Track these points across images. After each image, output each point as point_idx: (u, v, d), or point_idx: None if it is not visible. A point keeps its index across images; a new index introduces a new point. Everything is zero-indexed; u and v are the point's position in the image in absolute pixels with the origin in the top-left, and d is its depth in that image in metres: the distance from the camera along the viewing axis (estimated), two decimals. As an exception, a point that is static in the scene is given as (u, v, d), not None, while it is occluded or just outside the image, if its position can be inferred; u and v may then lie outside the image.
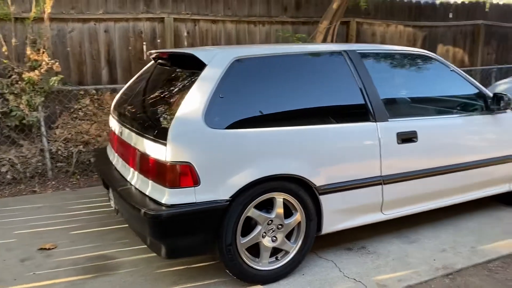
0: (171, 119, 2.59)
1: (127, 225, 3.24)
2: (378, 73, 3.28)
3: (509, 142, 3.72)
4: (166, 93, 2.95)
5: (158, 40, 5.59)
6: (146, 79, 3.53)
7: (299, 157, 2.81)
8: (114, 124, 3.46)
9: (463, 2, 7.92)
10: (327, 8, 6.36)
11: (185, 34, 5.68)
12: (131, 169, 2.95)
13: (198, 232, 2.60)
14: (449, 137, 3.44)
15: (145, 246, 2.89)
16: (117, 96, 3.79)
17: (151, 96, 3.10)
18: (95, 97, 5.20)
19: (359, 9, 6.35)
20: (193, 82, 2.72)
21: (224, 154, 2.62)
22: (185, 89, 2.73)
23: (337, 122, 3.00)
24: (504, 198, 4.02)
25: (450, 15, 7.73)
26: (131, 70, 5.38)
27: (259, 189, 2.69)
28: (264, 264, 2.83)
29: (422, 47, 7.40)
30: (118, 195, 2.92)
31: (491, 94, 3.67)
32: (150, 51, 3.64)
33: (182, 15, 5.62)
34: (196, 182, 2.54)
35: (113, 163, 3.41)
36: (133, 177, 2.90)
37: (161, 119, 2.71)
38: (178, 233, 2.55)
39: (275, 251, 2.89)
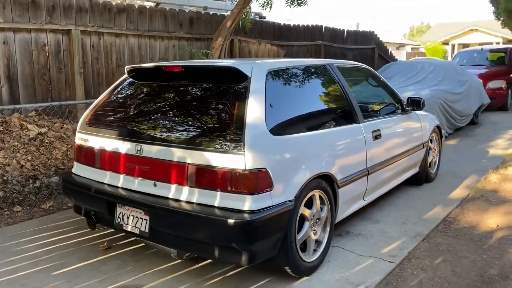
0: (237, 130, 2.64)
1: (111, 253, 3.03)
2: (347, 83, 3.89)
3: (417, 135, 4.79)
4: (207, 106, 2.92)
5: (63, 54, 5.02)
6: (143, 94, 3.32)
7: (328, 156, 3.18)
8: (112, 144, 3.15)
9: (308, 25, 9.27)
10: (214, 26, 6.72)
11: (90, 47, 5.23)
12: (174, 185, 2.82)
13: (275, 234, 2.71)
14: (394, 132, 4.27)
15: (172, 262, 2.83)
16: (92, 114, 3.43)
17: (183, 110, 2.99)
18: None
19: (238, 29, 6.87)
20: (240, 94, 2.81)
21: (286, 158, 2.81)
22: (235, 100, 2.79)
23: (342, 124, 3.48)
24: (409, 180, 5.11)
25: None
26: (35, 88, 4.68)
27: (307, 189, 2.95)
28: (311, 256, 3.09)
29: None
30: (163, 214, 2.77)
31: (405, 99, 4.68)
32: (132, 66, 3.43)
33: (89, 27, 5.18)
34: (271, 186, 2.66)
35: (119, 185, 3.12)
36: (181, 193, 2.78)
37: (223, 131, 2.71)
38: (263, 237, 2.62)
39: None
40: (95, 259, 3.41)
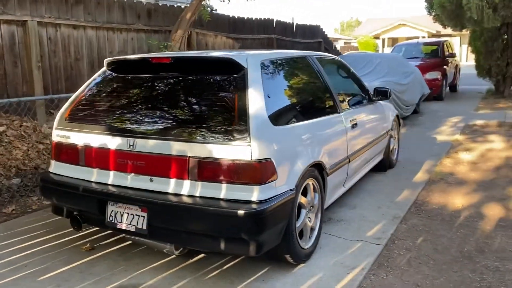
0: (241, 121, 2.64)
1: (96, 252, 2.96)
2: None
3: (383, 123, 5.01)
4: (204, 98, 2.87)
5: (19, 47, 4.67)
6: (128, 87, 3.20)
7: (319, 145, 3.26)
8: (99, 140, 3.01)
9: (260, 19, 9.32)
10: (172, 18, 6.58)
11: (47, 40, 4.92)
12: (173, 180, 2.76)
13: (280, 222, 2.74)
14: (366, 121, 4.44)
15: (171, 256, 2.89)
16: (71, 110, 3.25)
17: (179, 103, 2.92)
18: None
19: (195, 21, 6.78)
20: (238, 84, 2.80)
21: (286, 148, 2.85)
22: (234, 91, 2.78)
23: (327, 114, 3.57)
24: (374, 167, 5.34)
25: None
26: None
27: (304, 177, 3.01)
28: (307, 243, 3.16)
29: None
30: (164, 209, 2.71)
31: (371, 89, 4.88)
32: (114, 58, 3.29)
33: (46, 18, 4.86)
34: (275, 176, 2.69)
35: (109, 182, 3.00)
36: (182, 187, 2.73)
37: (225, 123, 2.68)
38: (270, 226, 2.64)
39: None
40: (81, 261, 3.26)
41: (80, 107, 3.27)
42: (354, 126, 3.96)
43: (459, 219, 3.96)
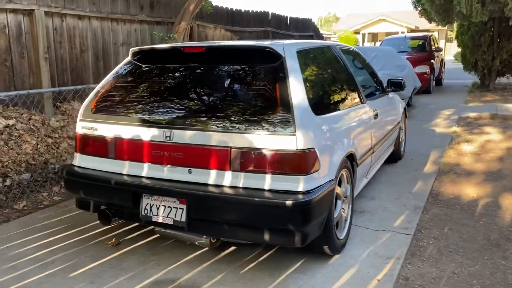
0: (284, 110, 2.59)
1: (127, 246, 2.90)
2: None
3: (395, 114, 5.04)
4: (244, 87, 2.82)
5: (25, 37, 4.49)
6: (159, 77, 3.11)
7: (352, 136, 3.24)
8: (131, 131, 2.92)
9: (256, 11, 9.25)
10: (173, 9, 6.47)
11: (53, 30, 4.75)
12: (214, 171, 2.69)
13: (323, 213, 2.71)
14: (385, 112, 4.45)
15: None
16: (97, 101, 3.14)
17: (217, 93, 2.86)
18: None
19: (197, 13, 6.67)
20: (278, 73, 2.75)
21: (326, 138, 2.83)
22: (275, 80, 2.73)
23: (354, 104, 3.56)
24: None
25: None
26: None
27: (340, 168, 3.00)
28: (341, 234, 3.15)
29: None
30: (206, 201, 2.65)
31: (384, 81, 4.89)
32: (141, 48, 3.19)
33: (53, 8, 4.69)
34: (318, 166, 2.66)
35: (143, 174, 2.91)
36: (223, 178, 2.67)
37: (268, 112, 2.63)
38: (316, 217, 2.61)
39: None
40: (109, 257, 3.17)
41: (107, 98, 3.17)
42: (376, 116, 3.96)
43: (478, 208, 4.02)
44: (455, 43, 18.96)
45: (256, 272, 2.92)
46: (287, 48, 2.92)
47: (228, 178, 2.67)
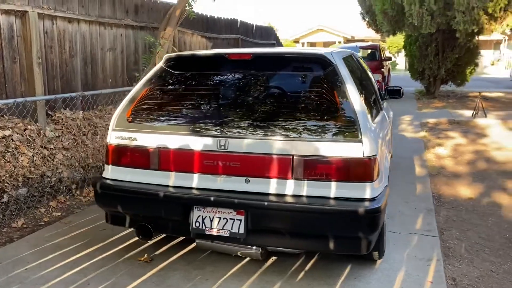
0: (348, 117, 2.59)
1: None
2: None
3: (391, 118, 5.21)
4: (301, 94, 2.78)
5: (17, 40, 4.11)
6: (203, 84, 2.98)
7: (388, 141, 3.32)
8: (179, 141, 2.77)
9: (227, 18, 9.17)
10: (155, 14, 6.28)
11: (44, 34, 4.38)
12: (275, 180, 2.63)
13: (383, 219, 2.74)
14: (390, 118, 4.59)
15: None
16: (133, 109, 2.95)
17: (273, 100, 2.79)
18: None
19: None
20: (332, 80, 2.76)
21: (380, 143, 2.87)
22: (331, 87, 2.73)
23: (380, 109, 3.65)
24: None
25: None
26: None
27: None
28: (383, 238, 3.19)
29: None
30: (269, 211, 2.58)
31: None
32: (178, 54, 3.05)
33: (46, 10, 4.33)
34: (379, 172, 2.69)
35: (193, 185, 2.77)
36: (285, 187, 2.61)
37: (331, 119, 2.62)
38: (381, 223, 2.63)
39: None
40: (149, 274, 2.99)
41: (144, 106, 2.99)
42: (384, 120, 4.09)
43: (481, 209, 4.26)
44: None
45: (310, 281, 2.88)
46: (335, 55, 2.94)
47: (290, 187, 2.62)
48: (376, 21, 14.37)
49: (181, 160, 2.80)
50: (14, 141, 3.90)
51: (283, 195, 2.62)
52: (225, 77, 3.01)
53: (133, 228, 3.02)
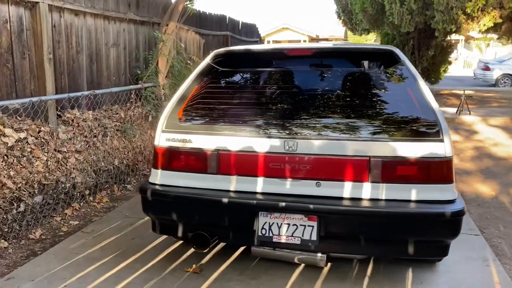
0: (428, 116, 2.47)
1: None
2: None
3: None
4: (369, 92, 2.63)
5: (26, 34, 3.72)
6: (260, 81, 2.76)
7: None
8: (242, 142, 2.56)
9: (216, 14, 8.90)
10: (155, 9, 5.96)
11: (52, 27, 4.00)
12: (350, 183, 2.47)
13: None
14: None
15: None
16: (185, 109, 2.71)
17: (345, 98, 2.62)
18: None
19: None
20: (403, 77, 2.64)
21: None
22: (404, 85, 2.61)
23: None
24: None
25: None
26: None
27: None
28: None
29: (204, 51, 7.97)
30: (346, 216, 2.43)
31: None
32: (227, 49, 2.83)
33: (56, 1, 3.95)
34: (454, 173, 2.58)
35: (258, 190, 2.56)
36: (361, 190, 2.46)
37: (409, 118, 2.49)
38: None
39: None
40: (204, 286, 2.76)
41: (198, 106, 2.75)
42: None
43: (507, 205, 4.27)
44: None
45: (378, 286, 2.75)
46: (396, 51, 2.81)
47: (367, 190, 2.47)
48: (352, 19, 14.49)
49: (244, 163, 2.60)
50: (29, 144, 3.54)
51: (359, 199, 2.47)
52: (287, 74, 2.82)
53: (185, 237, 2.78)
